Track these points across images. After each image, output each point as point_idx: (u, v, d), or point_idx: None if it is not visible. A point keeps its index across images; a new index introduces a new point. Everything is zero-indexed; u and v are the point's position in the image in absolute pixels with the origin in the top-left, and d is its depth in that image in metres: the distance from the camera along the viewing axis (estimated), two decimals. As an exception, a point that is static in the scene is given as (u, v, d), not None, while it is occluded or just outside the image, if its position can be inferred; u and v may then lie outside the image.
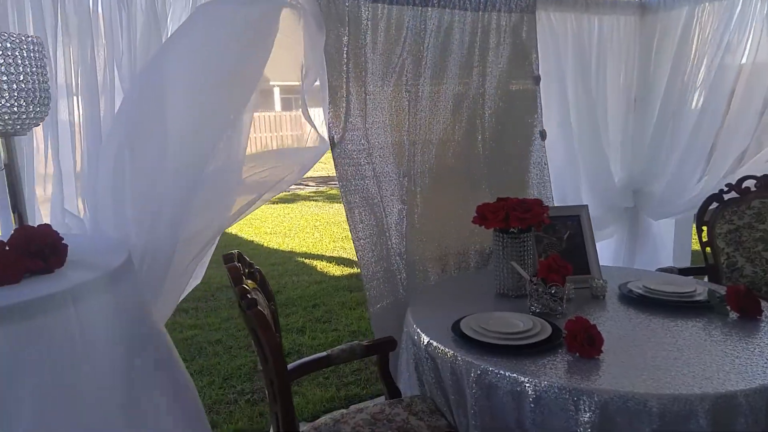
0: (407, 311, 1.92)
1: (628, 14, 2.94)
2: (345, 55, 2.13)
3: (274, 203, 8.68)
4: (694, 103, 2.81)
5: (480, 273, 2.50)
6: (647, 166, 2.92)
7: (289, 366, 1.62)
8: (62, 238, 1.33)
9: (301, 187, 10.48)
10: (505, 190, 2.54)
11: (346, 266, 5.29)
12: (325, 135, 2.14)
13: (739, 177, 2.59)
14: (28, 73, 1.34)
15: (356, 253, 2.23)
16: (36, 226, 1.33)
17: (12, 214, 1.51)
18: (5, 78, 1.30)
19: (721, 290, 1.87)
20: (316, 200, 9.27)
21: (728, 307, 1.77)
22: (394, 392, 1.92)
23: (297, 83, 2.06)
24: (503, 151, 2.57)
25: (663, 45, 2.93)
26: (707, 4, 2.77)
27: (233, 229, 6.72)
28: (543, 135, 2.65)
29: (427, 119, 2.37)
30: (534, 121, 2.64)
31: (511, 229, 2.00)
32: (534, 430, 1.40)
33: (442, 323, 1.75)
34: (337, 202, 8.96)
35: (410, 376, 1.87)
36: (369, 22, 2.17)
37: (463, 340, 1.62)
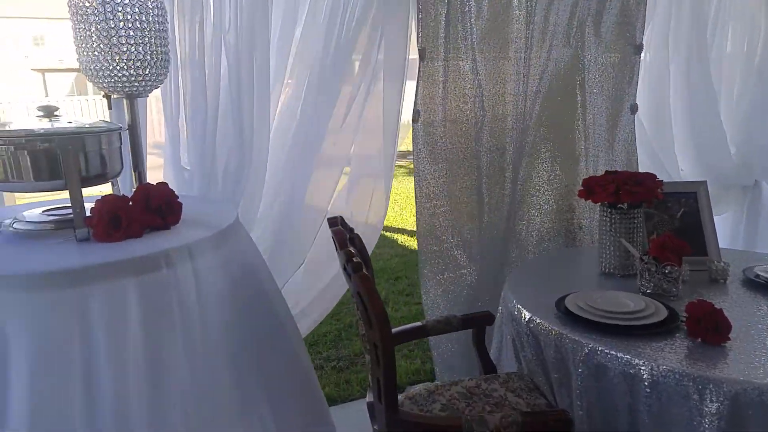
0: (505, 287, 1.86)
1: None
2: (443, 23, 2.06)
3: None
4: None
5: (576, 251, 2.38)
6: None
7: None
8: (177, 197, 1.39)
9: (380, 161, 10.52)
10: (596, 165, 2.42)
11: (428, 241, 5.27)
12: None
13: None
14: (152, 36, 1.39)
15: (417, 226, 2.21)
16: (155, 184, 1.40)
17: (133, 173, 1.60)
18: (132, 40, 1.36)
19: None
20: (395, 175, 9.27)
21: None
22: (488, 368, 1.89)
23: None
24: (596, 125, 2.42)
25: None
26: None
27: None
28: (633, 109, 2.46)
29: (524, 91, 2.26)
30: (627, 93, 2.45)
31: (620, 205, 1.88)
32: (647, 416, 1.32)
33: (543, 300, 1.68)
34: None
35: (506, 352, 1.83)
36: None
37: (568, 317, 1.55)
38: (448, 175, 2.22)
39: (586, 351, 1.42)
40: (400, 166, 9.98)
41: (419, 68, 2.08)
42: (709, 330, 1.37)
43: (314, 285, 2.12)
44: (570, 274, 2.02)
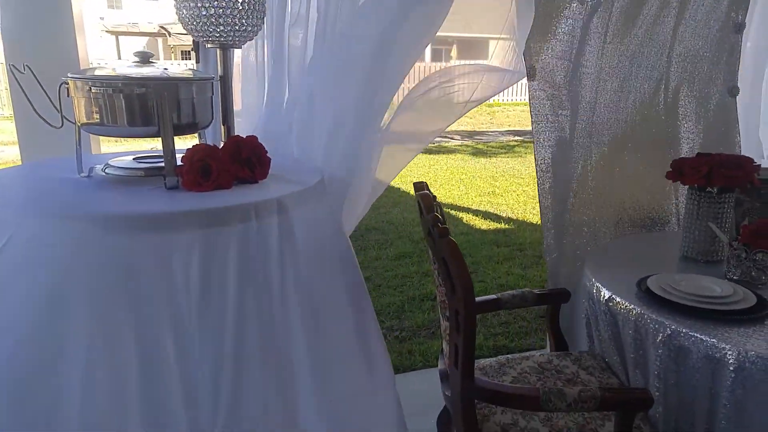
0: (584, 266, 1.86)
1: None
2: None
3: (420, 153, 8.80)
4: None
5: (657, 235, 2.33)
6: None
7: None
8: (266, 151, 1.39)
9: (447, 139, 10.47)
10: (686, 151, 2.32)
11: (493, 221, 5.25)
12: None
13: None
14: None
15: (539, 195, 2.12)
16: (245, 137, 1.39)
17: (222, 126, 1.56)
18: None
19: None
20: (461, 153, 9.22)
21: None
22: (560, 345, 1.90)
23: (448, 33, 1.97)
24: (689, 109, 2.30)
25: None
26: None
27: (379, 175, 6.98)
28: (733, 91, 2.33)
29: (619, 66, 2.18)
30: (726, 75, 2.31)
31: (708, 188, 1.82)
32: (730, 400, 1.31)
33: (623, 280, 1.67)
34: (483, 157, 8.84)
35: (579, 330, 1.84)
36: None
37: (649, 298, 1.55)
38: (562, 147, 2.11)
39: (668, 332, 1.41)
40: (466, 146, 9.92)
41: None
42: (804, 319, 1.33)
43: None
44: (650, 257, 1.98)
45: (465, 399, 1.43)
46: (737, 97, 2.34)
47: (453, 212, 5.57)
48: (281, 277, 1.24)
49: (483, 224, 5.16)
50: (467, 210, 5.65)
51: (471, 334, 1.40)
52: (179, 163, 1.30)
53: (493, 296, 1.84)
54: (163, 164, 1.32)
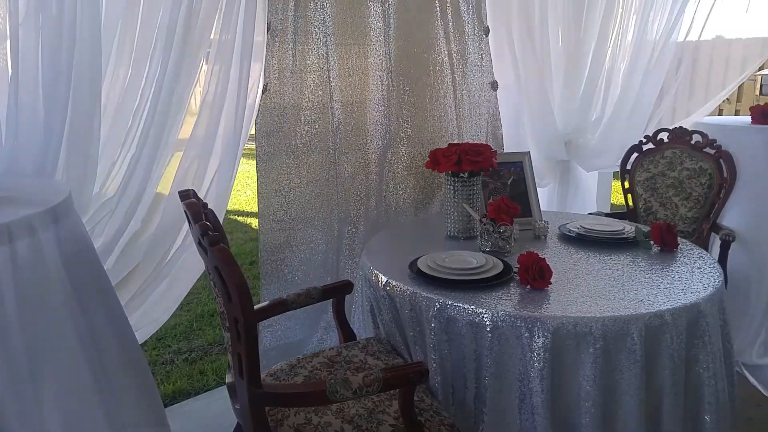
0: (362, 255, 1.94)
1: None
2: (294, 3, 2.05)
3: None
4: (623, 64, 2.98)
5: (426, 219, 2.55)
6: (580, 121, 3.08)
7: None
8: None
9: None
10: (453, 139, 2.59)
11: (281, 224, 5.21)
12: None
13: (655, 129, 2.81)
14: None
15: (258, 203, 2.24)
16: None
17: None
18: None
19: (645, 228, 2.05)
20: (246, 157, 8.94)
21: (651, 242, 1.95)
22: (349, 336, 1.95)
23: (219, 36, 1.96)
24: (450, 103, 2.59)
25: (592, 7, 3.04)
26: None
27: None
28: (494, 86, 2.70)
29: (374, 72, 2.34)
30: (486, 71, 2.68)
31: (461, 173, 2.06)
32: (490, 358, 1.48)
33: (398, 264, 1.79)
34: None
35: (365, 319, 1.91)
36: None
37: (420, 277, 1.67)
38: (297, 156, 2.24)
39: (438, 306, 1.55)
40: (250, 149, 9.68)
41: (267, 46, 2.05)
42: (536, 277, 1.58)
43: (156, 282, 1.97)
44: (420, 240, 2.16)
45: (253, 408, 1.36)
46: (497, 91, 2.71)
47: (240, 218, 5.38)
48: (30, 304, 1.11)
49: (271, 228, 5.10)
50: (256, 215, 5.50)
51: (252, 340, 1.33)
52: None
53: (278, 299, 1.80)
54: None
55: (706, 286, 1.63)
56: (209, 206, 1.78)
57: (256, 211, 5.55)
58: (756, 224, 2.57)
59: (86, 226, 1.61)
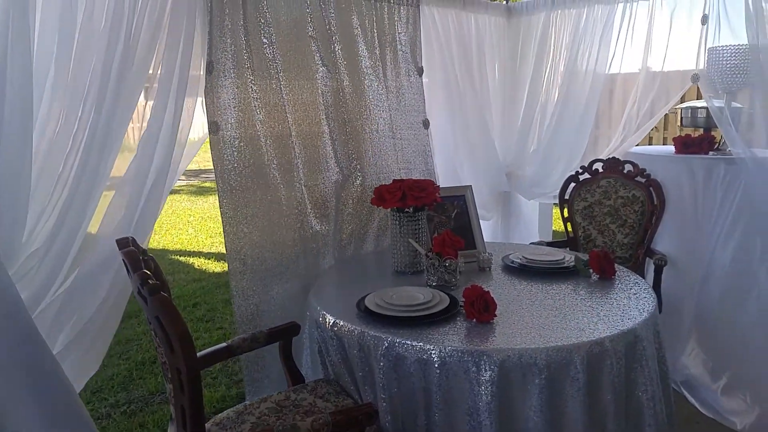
0: (309, 296, 1.92)
1: (497, 15, 3.19)
2: (231, 37, 2.05)
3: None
4: (556, 97, 3.13)
5: (374, 254, 2.56)
6: (519, 153, 3.20)
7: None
8: None
9: (169, 181, 9.79)
10: (392, 176, 2.63)
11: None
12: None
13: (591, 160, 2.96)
14: None
15: (226, 243, 2.13)
16: None
17: None
18: None
19: (584, 257, 2.13)
20: (186, 194, 8.75)
21: (590, 270, 2.03)
22: (297, 379, 1.91)
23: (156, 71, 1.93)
24: (390, 140, 2.64)
25: (526, 45, 3.22)
26: (560, 11, 3.09)
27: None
28: (426, 124, 2.79)
29: (317, 108, 2.36)
30: (418, 110, 2.76)
31: (407, 209, 2.09)
32: (439, 394, 1.49)
33: (345, 303, 1.78)
34: (212, 195, 8.54)
35: (313, 361, 1.88)
36: (266, 3, 2.13)
37: (368, 316, 1.67)
38: (253, 190, 2.17)
39: (386, 345, 1.55)
40: (192, 186, 9.47)
41: (209, 80, 2.03)
42: (481, 310, 1.61)
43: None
44: (366, 277, 2.17)
45: (198, 464, 1.30)
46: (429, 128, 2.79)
47: (182, 258, 5.21)
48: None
49: (218, 267, 4.96)
50: (198, 254, 5.36)
51: (196, 391, 1.29)
52: None
53: (223, 345, 1.75)
54: None
55: (641, 311, 1.71)
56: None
57: (198, 250, 5.46)
58: (685, 248, 2.72)
59: (14, 276, 1.52)
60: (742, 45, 2.48)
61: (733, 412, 2.44)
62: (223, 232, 2.10)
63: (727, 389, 2.51)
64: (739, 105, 2.60)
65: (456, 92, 2.88)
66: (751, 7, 2.33)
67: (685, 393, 2.61)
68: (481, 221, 2.70)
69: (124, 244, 1.39)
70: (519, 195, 3.34)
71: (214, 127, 2.06)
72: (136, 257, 1.29)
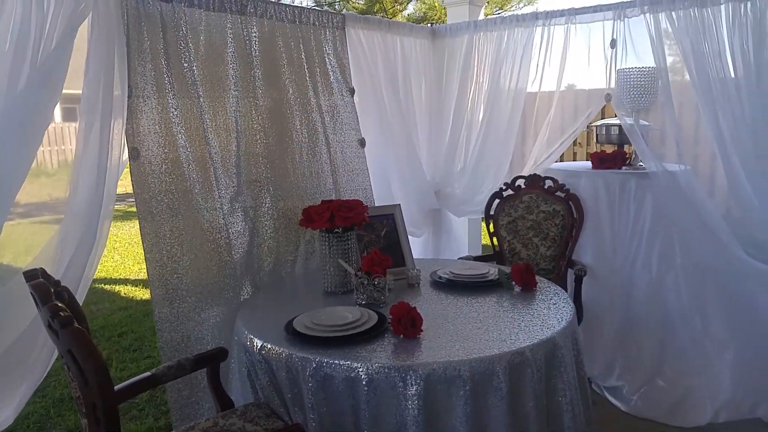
0: (237, 320, 1.89)
1: (422, 37, 3.30)
2: (151, 61, 2.02)
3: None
4: (481, 117, 3.26)
5: (303, 275, 2.55)
6: (446, 171, 3.30)
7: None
8: None
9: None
10: (328, 197, 2.64)
11: (156, 288, 4.89)
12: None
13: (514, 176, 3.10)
14: None
15: (148, 270, 2.05)
16: None
17: None
18: None
19: (507, 270, 2.22)
20: (113, 219, 8.32)
21: (513, 282, 2.12)
22: (226, 404, 1.87)
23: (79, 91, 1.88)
24: (326, 160, 2.64)
25: (451, 66, 3.34)
26: (482, 33, 3.24)
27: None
28: (362, 143, 2.82)
29: (246, 130, 2.34)
30: (353, 129, 2.79)
31: (336, 229, 2.10)
32: (368, 410, 1.51)
33: (273, 326, 1.77)
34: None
35: (243, 385, 1.84)
36: (186, 28, 2.10)
37: (296, 338, 1.67)
38: (176, 216, 2.11)
39: (314, 366, 1.55)
40: (118, 210, 9.05)
41: (128, 105, 1.98)
42: (408, 326, 1.64)
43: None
44: (297, 298, 2.16)
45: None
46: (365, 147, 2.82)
47: (107, 287, 4.97)
48: None
49: (146, 294, 4.75)
50: (125, 282, 5.12)
51: (114, 428, 1.23)
52: None
53: (146, 374, 1.69)
54: None
55: (560, 320, 1.80)
56: (69, 275, 1.64)
57: (125, 277, 5.23)
58: (603, 258, 2.89)
59: None
60: (647, 67, 2.69)
61: (652, 410, 2.59)
62: (145, 259, 2.03)
63: (647, 390, 2.67)
64: (646, 123, 2.82)
65: (384, 112, 2.93)
66: (653, 32, 2.54)
67: (607, 395, 2.75)
68: (412, 238, 2.77)
69: (31, 276, 1.32)
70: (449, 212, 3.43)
71: (134, 153, 2.00)
72: (46, 289, 1.24)
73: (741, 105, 2.39)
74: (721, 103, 2.41)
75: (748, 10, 2.34)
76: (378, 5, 12.34)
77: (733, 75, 2.40)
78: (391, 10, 12.40)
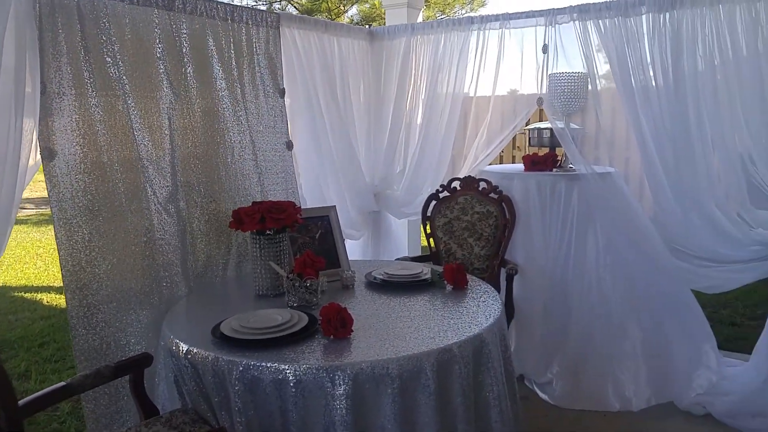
0: (163, 325, 1.82)
1: (360, 39, 3.29)
2: (66, 55, 1.91)
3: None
4: (419, 119, 3.29)
5: (235, 278, 2.49)
6: (386, 173, 3.31)
7: (20, 403, 1.39)
8: None
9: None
10: (254, 199, 2.58)
11: (83, 295, 4.64)
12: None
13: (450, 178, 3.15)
14: None
15: (63, 276, 1.94)
16: None
17: None
18: None
19: (439, 269, 2.26)
20: (34, 224, 7.87)
21: (445, 282, 2.15)
22: (151, 412, 1.79)
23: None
24: (252, 162, 2.58)
25: (389, 68, 3.36)
26: (419, 36, 3.28)
27: None
28: (289, 146, 2.78)
29: (175, 130, 2.25)
30: (280, 132, 2.75)
31: (267, 231, 2.07)
32: (296, 412, 1.49)
33: (200, 330, 1.72)
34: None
35: (169, 391, 1.78)
36: (108, 21, 2.00)
37: (223, 341, 1.62)
38: (95, 218, 2.01)
39: (241, 369, 1.51)
40: (42, 215, 8.55)
41: (41, 103, 1.86)
42: (338, 327, 1.63)
43: None
44: (229, 301, 2.10)
45: None
46: (293, 150, 2.77)
47: (28, 295, 4.67)
48: None
49: (71, 301, 4.51)
50: (49, 289, 4.84)
51: (17, 440, 1.16)
52: None
53: (60, 384, 1.59)
54: None
55: (488, 317, 1.84)
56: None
57: (49, 284, 4.94)
58: (534, 257, 2.98)
59: None
60: (577, 72, 2.81)
61: (578, 401, 2.70)
62: (60, 264, 1.92)
63: (574, 381, 2.78)
64: (577, 126, 2.93)
65: (319, 114, 2.91)
66: (581, 39, 2.66)
67: (537, 390, 2.84)
68: (351, 240, 2.76)
69: None
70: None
71: (48, 154, 1.88)
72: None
73: (661, 112, 2.52)
74: (644, 109, 2.55)
75: (667, 20, 2.47)
76: (324, 4, 12.29)
77: (653, 83, 2.54)
78: (335, 10, 12.38)
